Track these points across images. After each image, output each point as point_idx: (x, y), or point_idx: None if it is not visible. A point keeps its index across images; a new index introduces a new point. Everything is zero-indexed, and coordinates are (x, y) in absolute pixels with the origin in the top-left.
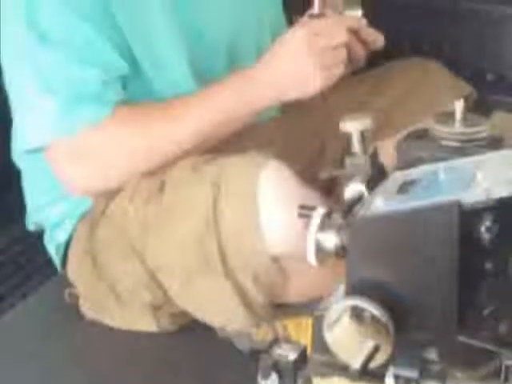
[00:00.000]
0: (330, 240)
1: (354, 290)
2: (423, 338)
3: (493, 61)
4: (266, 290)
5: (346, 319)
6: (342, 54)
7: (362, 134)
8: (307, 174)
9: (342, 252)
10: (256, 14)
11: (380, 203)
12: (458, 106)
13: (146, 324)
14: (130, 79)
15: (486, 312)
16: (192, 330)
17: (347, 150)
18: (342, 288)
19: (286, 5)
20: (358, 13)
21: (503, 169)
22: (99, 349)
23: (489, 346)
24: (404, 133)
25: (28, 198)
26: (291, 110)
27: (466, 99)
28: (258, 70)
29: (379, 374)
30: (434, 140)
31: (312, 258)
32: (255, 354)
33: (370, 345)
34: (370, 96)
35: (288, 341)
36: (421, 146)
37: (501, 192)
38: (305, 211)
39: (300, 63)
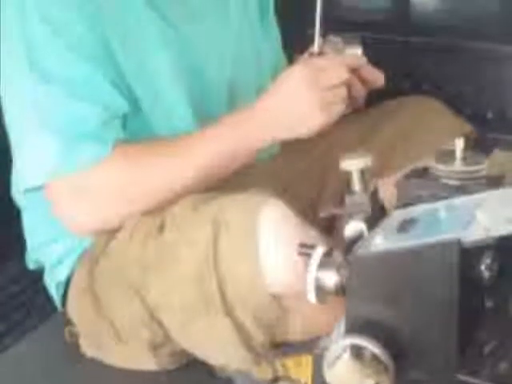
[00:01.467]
0: (330, 278)
1: (353, 328)
2: (423, 377)
3: (493, 99)
4: (265, 328)
5: (346, 358)
6: (343, 92)
7: (362, 173)
8: (307, 212)
9: (341, 290)
10: (256, 52)
11: (380, 241)
12: (458, 144)
13: (146, 362)
14: (130, 117)
15: (486, 350)
16: (192, 369)
17: (347, 188)
18: (341, 326)
19: (286, 43)
20: (358, 51)
21: (503, 207)
22: None
23: None
24: (404, 171)
25: (28, 235)
26: (291, 147)
27: (466, 137)
28: (257, 109)
29: None
30: (434, 178)
31: (312, 297)
32: None
33: (370, 383)
34: (370, 134)
35: (288, 379)
36: (421, 184)
37: (501, 230)
38: (305, 249)
39: (300, 101)
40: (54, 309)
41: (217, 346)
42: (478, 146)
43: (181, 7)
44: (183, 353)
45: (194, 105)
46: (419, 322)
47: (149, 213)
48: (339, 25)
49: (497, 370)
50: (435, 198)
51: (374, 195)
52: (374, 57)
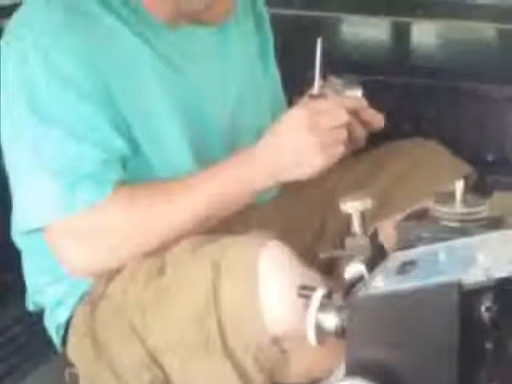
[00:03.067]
0: (330, 320)
1: (353, 370)
2: None
3: (493, 141)
4: (266, 370)
5: None
6: (343, 134)
7: (362, 215)
8: (307, 254)
9: (342, 332)
10: (256, 93)
11: (380, 283)
12: (458, 186)
13: None
14: (130, 159)
15: None
16: None
17: (347, 230)
18: (342, 368)
19: (286, 84)
20: (358, 93)
21: (503, 249)
22: None
23: None
24: (404, 213)
25: (28, 277)
26: (291, 189)
27: (466, 179)
28: (257, 151)
29: None
30: (434, 220)
31: (312, 339)
32: None
33: None
34: (370, 176)
35: None
36: (421, 226)
37: (501, 272)
38: (305, 291)
39: (300, 143)
40: (54, 351)
41: None
42: (478, 187)
43: (181, 48)
44: None
45: (194, 146)
46: (419, 364)
47: (149, 254)
48: (339, 67)
49: None
50: (435, 239)
51: (373, 237)
52: (374, 99)
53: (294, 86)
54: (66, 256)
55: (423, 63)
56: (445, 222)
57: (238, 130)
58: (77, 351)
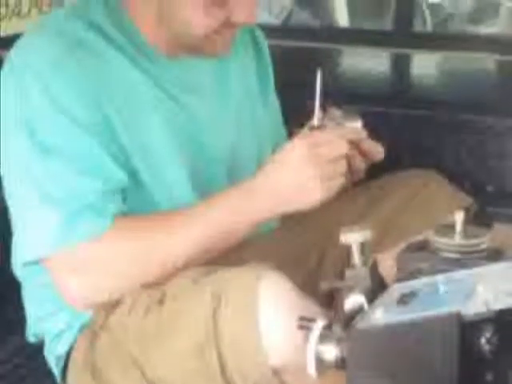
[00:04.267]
0: (330, 352)
1: None
2: None
3: (493, 173)
4: None
5: None
6: (342, 165)
7: (362, 246)
8: (307, 286)
9: (342, 363)
10: (256, 125)
11: (380, 315)
12: (458, 217)
13: None
14: (130, 191)
15: None
16: None
17: (347, 261)
18: None
19: (286, 116)
20: (358, 124)
21: (503, 281)
22: None
23: None
24: (404, 245)
25: (28, 309)
26: (291, 221)
27: (466, 211)
28: (257, 183)
29: None
30: (433, 252)
31: (312, 370)
32: None
33: None
34: (370, 207)
35: None
36: (421, 257)
37: (501, 304)
38: (305, 323)
39: (300, 175)
40: (54, 382)
41: None
42: (478, 219)
43: (181, 80)
44: None
45: (193, 178)
46: None
47: (149, 286)
48: (339, 98)
49: None
50: (435, 271)
51: (373, 268)
52: (374, 130)
53: (294, 117)
54: (67, 287)
55: (423, 94)
56: (445, 254)
57: (238, 162)
58: (76, 382)
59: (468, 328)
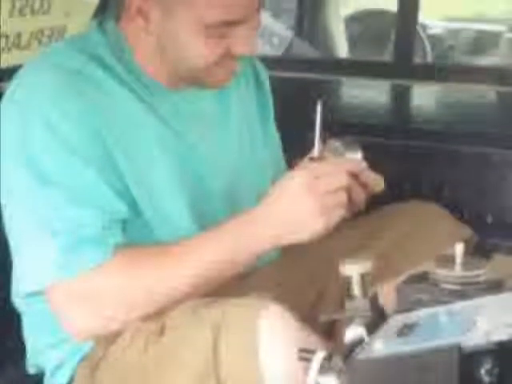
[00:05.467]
0: (330, 383)
1: None
2: None
3: (493, 204)
4: None
5: None
6: (343, 197)
7: (362, 277)
8: (307, 317)
9: None
10: (256, 157)
11: (380, 346)
12: (458, 249)
13: None
14: (130, 222)
15: None
16: None
17: (347, 292)
18: None
19: (286, 147)
20: (358, 156)
21: (503, 312)
22: None
23: None
24: (404, 276)
25: (28, 340)
26: (291, 252)
27: (466, 242)
28: (257, 214)
29: None
30: (434, 283)
31: None
32: None
33: None
34: (370, 239)
35: None
36: (421, 289)
37: (501, 335)
38: (305, 354)
39: (300, 206)
40: None
41: None
42: (478, 250)
43: (181, 111)
44: None
45: (194, 209)
46: None
47: (149, 317)
48: (339, 129)
49: None
50: (435, 302)
51: (373, 300)
52: (374, 161)
53: (294, 148)
54: (67, 318)
55: (423, 125)
56: (445, 285)
57: (238, 193)
58: None
59: (468, 359)
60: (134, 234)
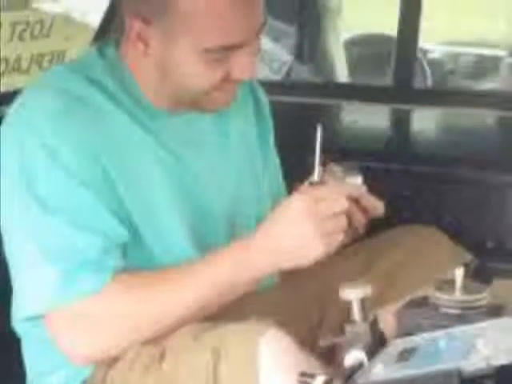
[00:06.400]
0: None
1: None
2: None
3: (493, 229)
4: None
5: None
6: (343, 221)
7: (362, 302)
8: (307, 341)
9: None
10: (255, 181)
11: (380, 370)
12: (458, 273)
13: None
14: (130, 246)
15: None
16: None
17: (347, 317)
18: None
19: (286, 171)
20: (358, 180)
21: (503, 337)
22: None
23: None
24: (404, 300)
25: (28, 364)
26: (291, 276)
27: (466, 267)
28: (257, 239)
29: None
30: (434, 308)
31: None
32: None
33: None
34: (370, 263)
35: None
36: (421, 313)
37: (500, 360)
38: (305, 378)
39: (300, 231)
40: None
41: None
42: (478, 275)
43: (181, 135)
44: None
45: (193, 233)
46: None
47: (148, 342)
48: (339, 153)
49: None
50: (435, 327)
51: (373, 324)
52: (374, 186)
53: (294, 173)
54: (66, 343)
55: (423, 150)
56: (445, 310)
57: (238, 217)
58: None
59: None
60: (134, 258)
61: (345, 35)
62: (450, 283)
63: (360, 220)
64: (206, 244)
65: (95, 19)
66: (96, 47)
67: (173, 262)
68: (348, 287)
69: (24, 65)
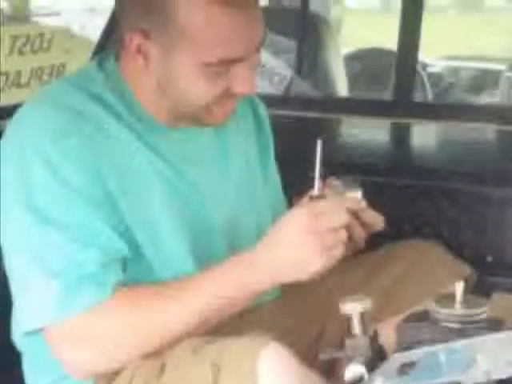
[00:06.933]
0: None
1: None
2: None
3: (492, 243)
4: None
5: None
6: (342, 235)
7: (362, 316)
8: (307, 356)
9: None
10: (255, 195)
11: None
12: (458, 287)
13: None
14: (130, 261)
15: None
16: None
17: (347, 331)
18: None
19: (286, 185)
20: (358, 194)
21: (503, 351)
22: None
23: None
24: (404, 314)
25: (28, 379)
26: (291, 290)
27: (466, 281)
28: (257, 253)
29: None
30: (434, 322)
31: None
32: None
33: None
34: (370, 277)
35: None
36: (421, 327)
37: (501, 374)
38: None
39: (300, 245)
40: None
41: None
42: (478, 289)
43: (181, 150)
44: None
45: (194, 248)
46: None
47: (149, 356)
48: (339, 168)
49: None
50: (435, 341)
51: (373, 338)
52: (374, 200)
53: (294, 187)
54: (66, 357)
55: (423, 164)
56: (445, 324)
57: (238, 232)
58: None
59: None
60: (134, 273)
61: (345, 49)
62: (450, 297)
63: (360, 234)
64: (205, 258)
65: (95, 33)
66: (96, 61)
67: (172, 275)
68: (348, 301)
69: (24, 79)
